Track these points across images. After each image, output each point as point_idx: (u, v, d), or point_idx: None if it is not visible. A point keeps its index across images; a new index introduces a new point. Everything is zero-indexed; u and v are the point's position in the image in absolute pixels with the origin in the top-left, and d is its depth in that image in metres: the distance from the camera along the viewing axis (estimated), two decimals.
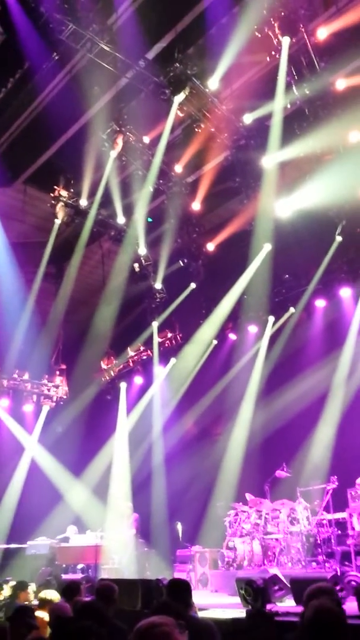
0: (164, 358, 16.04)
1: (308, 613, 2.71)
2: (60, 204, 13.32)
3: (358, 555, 9.38)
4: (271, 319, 14.11)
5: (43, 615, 6.00)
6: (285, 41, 10.47)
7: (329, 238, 12.32)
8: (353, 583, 7.73)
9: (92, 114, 12.42)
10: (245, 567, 10.77)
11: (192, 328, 15.24)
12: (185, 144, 13.09)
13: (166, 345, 15.97)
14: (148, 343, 16.24)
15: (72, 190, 13.44)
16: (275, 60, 10.93)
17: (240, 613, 6.95)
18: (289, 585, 7.75)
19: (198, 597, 5.77)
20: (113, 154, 12.75)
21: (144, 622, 2.50)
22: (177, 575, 11.33)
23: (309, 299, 13.23)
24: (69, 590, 5.83)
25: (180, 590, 4.50)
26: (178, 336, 15.80)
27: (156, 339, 15.87)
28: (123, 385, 17.12)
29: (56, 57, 11.18)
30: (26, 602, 7.21)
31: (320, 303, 13.22)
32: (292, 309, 13.73)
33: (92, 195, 13.51)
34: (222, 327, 14.91)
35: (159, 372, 16.05)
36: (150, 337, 15.97)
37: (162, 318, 15.73)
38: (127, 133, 12.71)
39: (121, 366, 17.07)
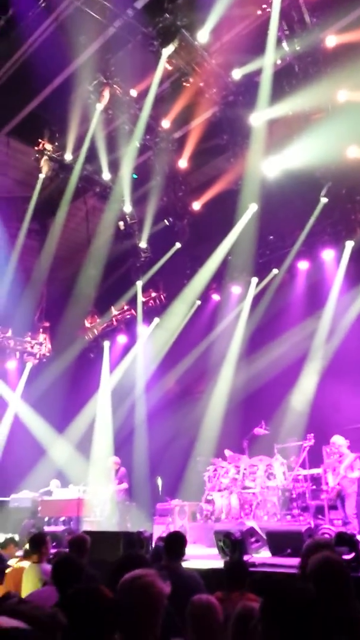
0: (148, 317, 16.02)
1: (312, 566, 2.81)
2: (45, 157, 13.04)
3: (331, 509, 9.73)
4: (254, 280, 14.11)
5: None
6: None
7: (314, 199, 12.24)
8: (326, 536, 7.99)
9: (79, 64, 12.09)
10: (223, 520, 11.05)
11: (176, 288, 15.20)
12: (173, 98, 12.78)
13: (150, 304, 15.93)
14: (132, 302, 16.18)
15: (56, 143, 13.15)
16: (266, 14, 10.68)
17: (218, 564, 7.17)
18: (265, 537, 8.04)
19: None
20: (99, 107, 12.46)
21: (128, 575, 2.60)
22: (156, 527, 11.64)
23: (293, 260, 13.22)
24: (34, 541, 5.98)
25: (178, 542, 4.95)
26: (162, 296, 15.76)
27: (140, 298, 15.82)
28: (106, 344, 17.12)
29: (42, 4, 10.79)
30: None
31: (303, 265, 13.20)
32: (275, 270, 13.70)
33: (77, 149, 13.25)
34: (206, 288, 14.87)
35: (143, 331, 16.10)
36: (134, 297, 15.90)
37: (146, 277, 15.66)
38: (114, 85, 12.39)
39: (105, 325, 17.03)
